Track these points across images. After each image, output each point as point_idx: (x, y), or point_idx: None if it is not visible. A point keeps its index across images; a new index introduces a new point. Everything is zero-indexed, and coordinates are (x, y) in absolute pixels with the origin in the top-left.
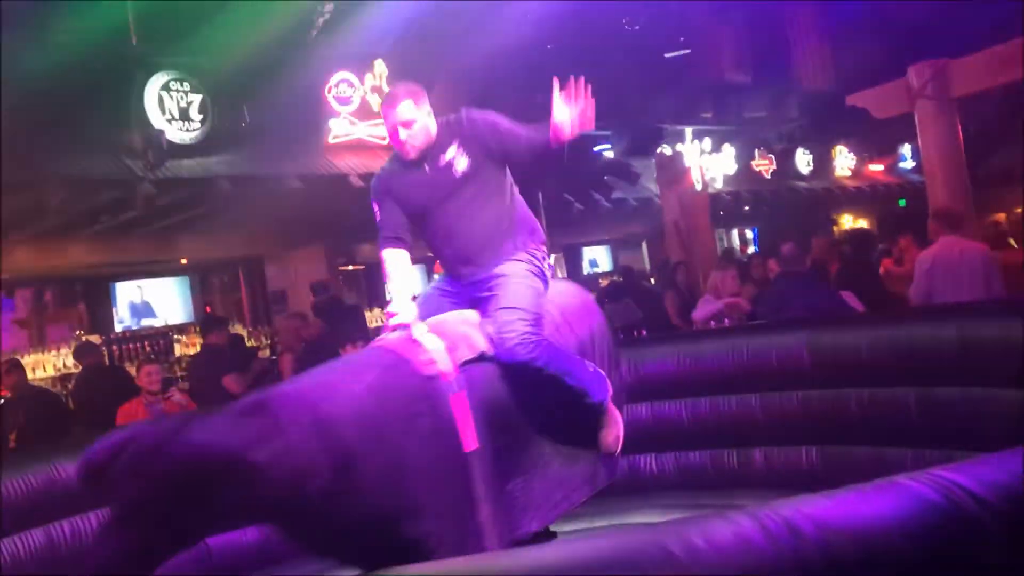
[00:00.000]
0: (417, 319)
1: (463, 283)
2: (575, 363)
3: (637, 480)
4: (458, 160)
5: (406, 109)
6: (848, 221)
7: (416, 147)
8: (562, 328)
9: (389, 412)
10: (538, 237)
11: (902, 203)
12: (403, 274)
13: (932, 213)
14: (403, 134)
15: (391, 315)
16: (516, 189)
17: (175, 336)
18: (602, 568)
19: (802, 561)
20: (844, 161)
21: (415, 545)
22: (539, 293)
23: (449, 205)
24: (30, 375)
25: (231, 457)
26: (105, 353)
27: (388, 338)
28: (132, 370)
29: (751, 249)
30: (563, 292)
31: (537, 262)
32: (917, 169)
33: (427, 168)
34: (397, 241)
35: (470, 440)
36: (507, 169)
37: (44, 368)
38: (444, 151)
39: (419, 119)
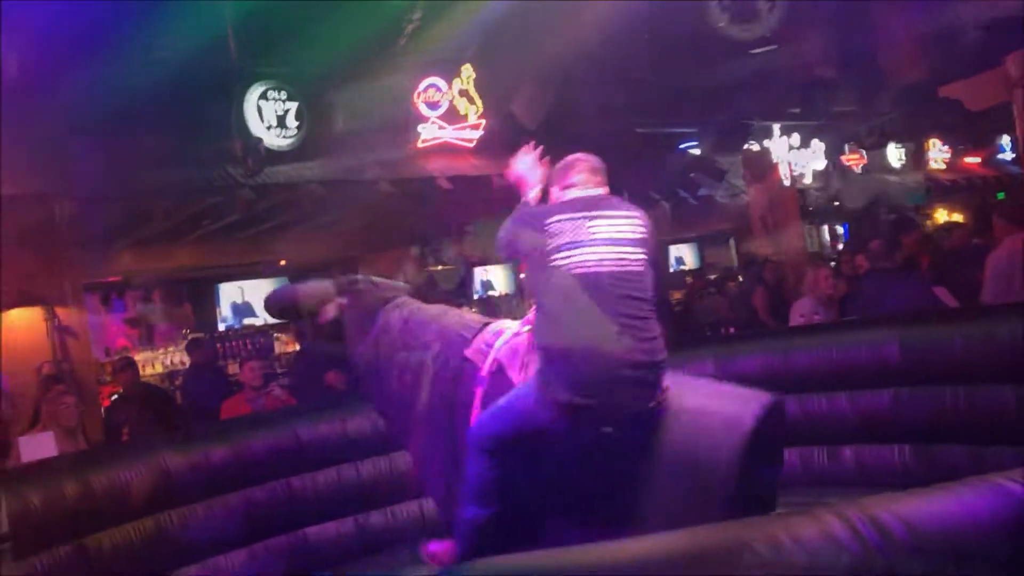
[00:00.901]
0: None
1: None
2: (468, 475)
3: None
4: None
5: None
6: (943, 215)
7: None
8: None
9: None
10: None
11: (1001, 196)
12: None
13: (997, 211)
14: None
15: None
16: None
17: (275, 334)
18: (688, 562)
19: (891, 561)
20: (938, 154)
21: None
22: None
23: None
24: (140, 372)
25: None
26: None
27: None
28: (234, 367)
29: (841, 245)
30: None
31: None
32: (1016, 160)
33: None
34: None
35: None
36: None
37: (153, 365)
38: None
39: None
